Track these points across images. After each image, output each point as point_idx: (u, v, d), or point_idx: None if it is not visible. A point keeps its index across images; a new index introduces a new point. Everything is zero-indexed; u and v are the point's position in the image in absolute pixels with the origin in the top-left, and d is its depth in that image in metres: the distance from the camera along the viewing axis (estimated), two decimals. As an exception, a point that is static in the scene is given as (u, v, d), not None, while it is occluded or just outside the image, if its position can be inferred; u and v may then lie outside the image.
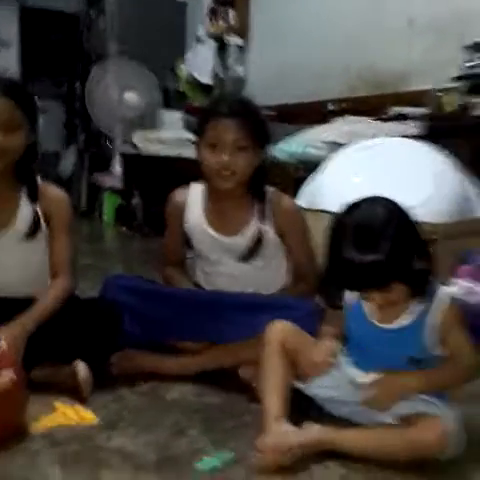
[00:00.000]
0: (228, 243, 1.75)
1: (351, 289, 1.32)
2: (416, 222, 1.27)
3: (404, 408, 1.31)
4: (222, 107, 1.69)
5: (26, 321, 1.53)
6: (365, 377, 1.35)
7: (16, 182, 1.66)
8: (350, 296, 1.38)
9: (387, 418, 1.33)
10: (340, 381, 1.40)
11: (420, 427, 1.24)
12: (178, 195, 1.84)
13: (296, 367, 1.41)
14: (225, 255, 1.77)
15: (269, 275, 1.79)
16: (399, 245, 1.20)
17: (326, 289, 1.38)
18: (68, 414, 1.45)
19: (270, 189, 1.79)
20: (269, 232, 1.75)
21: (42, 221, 1.66)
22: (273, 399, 1.35)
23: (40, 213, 1.66)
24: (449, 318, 1.28)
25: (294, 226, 1.77)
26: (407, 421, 1.29)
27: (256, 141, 1.68)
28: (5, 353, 1.34)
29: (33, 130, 1.63)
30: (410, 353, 1.31)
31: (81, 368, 1.54)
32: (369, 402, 1.33)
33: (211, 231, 1.77)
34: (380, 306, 1.31)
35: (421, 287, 1.26)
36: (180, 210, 1.81)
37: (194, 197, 1.81)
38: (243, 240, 1.74)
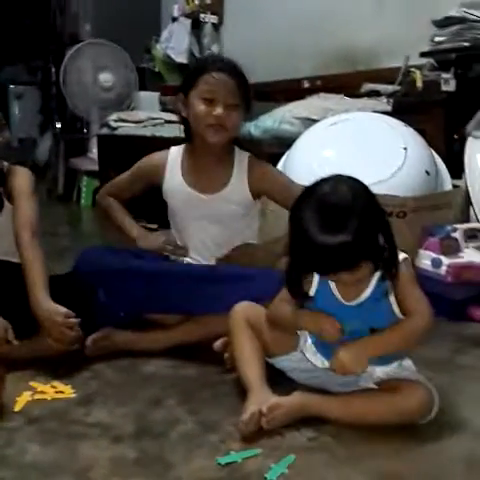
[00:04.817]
0: (204, 201, 1.77)
1: (321, 273, 1.27)
2: (376, 198, 1.22)
3: (382, 373, 1.31)
4: (217, 62, 1.72)
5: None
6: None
7: None
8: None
9: (368, 383, 1.32)
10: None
11: (404, 393, 1.24)
12: (158, 156, 1.84)
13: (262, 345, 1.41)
14: (199, 214, 1.78)
15: (238, 236, 1.81)
16: (365, 223, 1.16)
17: (292, 278, 1.29)
18: (46, 390, 1.45)
19: (246, 153, 1.81)
20: (246, 193, 1.77)
21: (5, 201, 1.67)
22: (252, 368, 1.36)
23: (4, 195, 1.67)
24: (403, 276, 1.25)
25: (273, 180, 1.79)
26: (386, 386, 1.29)
27: (244, 102, 1.71)
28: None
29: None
30: (374, 325, 1.28)
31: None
32: (337, 367, 1.27)
33: (188, 189, 1.78)
34: (346, 284, 1.28)
35: (387, 263, 1.23)
36: (155, 172, 1.82)
37: (174, 159, 1.82)
38: (220, 200, 1.76)
